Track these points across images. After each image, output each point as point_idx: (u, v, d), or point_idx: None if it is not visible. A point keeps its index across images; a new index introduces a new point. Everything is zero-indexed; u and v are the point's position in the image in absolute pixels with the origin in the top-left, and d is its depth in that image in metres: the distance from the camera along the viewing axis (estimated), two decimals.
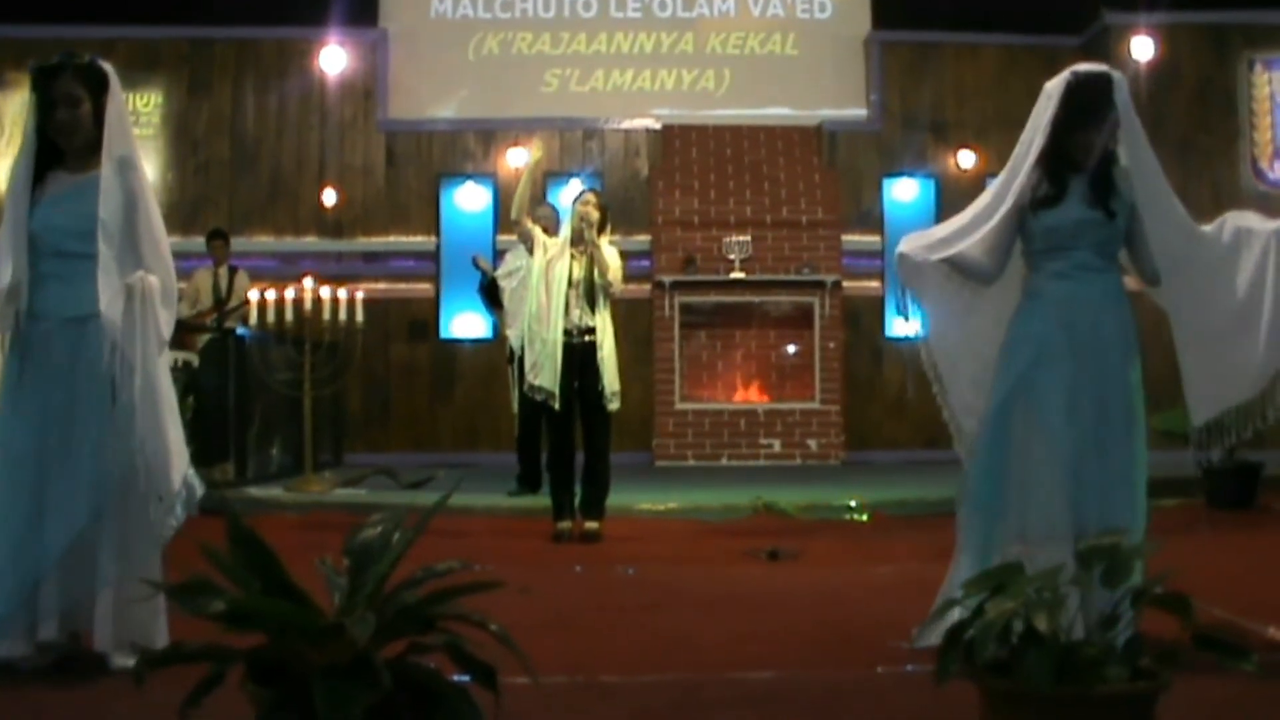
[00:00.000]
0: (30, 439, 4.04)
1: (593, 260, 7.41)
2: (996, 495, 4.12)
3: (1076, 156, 4.15)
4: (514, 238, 8.69)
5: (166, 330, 4.15)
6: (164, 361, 4.21)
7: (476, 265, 10.00)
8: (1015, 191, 4.15)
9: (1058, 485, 4.04)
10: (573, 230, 7.49)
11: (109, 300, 3.98)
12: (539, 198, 9.78)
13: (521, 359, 8.55)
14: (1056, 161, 4.15)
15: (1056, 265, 4.17)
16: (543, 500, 7.98)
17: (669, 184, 13.67)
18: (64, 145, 4.16)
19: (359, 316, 9.86)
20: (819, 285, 13.19)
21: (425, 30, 14.20)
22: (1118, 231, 4.16)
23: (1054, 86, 4.14)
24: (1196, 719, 3.30)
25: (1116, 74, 4.11)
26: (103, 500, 3.99)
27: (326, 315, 9.73)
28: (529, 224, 7.71)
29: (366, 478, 10.07)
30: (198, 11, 13.50)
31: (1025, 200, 4.16)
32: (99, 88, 4.14)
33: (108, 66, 4.20)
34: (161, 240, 4.22)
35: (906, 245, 4.39)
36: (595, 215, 7.48)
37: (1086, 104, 4.08)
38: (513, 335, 9.11)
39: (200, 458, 4.27)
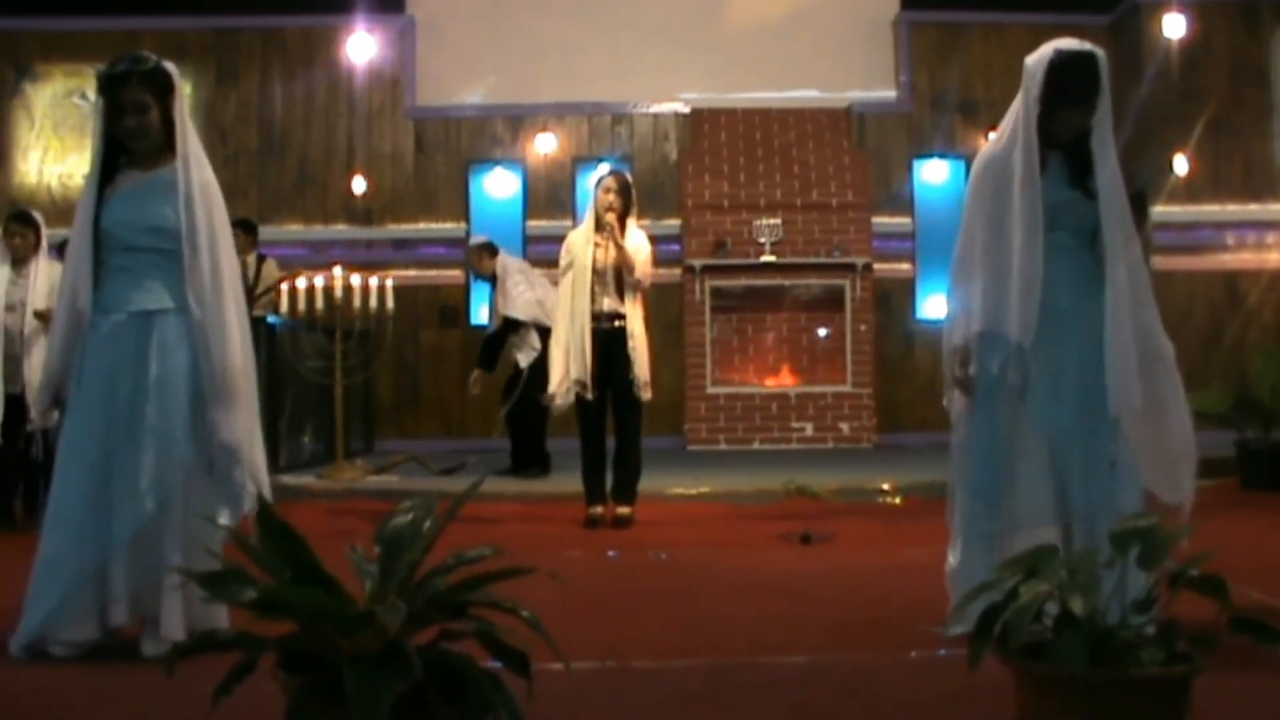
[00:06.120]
0: (97, 429, 4.13)
1: (619, 246, 7.31)
2: (992, 479, 4.10)
3: (1058, 134, 4.10)
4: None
5: (248, 342, 4.47)
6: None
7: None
8: (1036, 188, 4.06)
9: (1044, 471, 4.02)
10: (596, 219, 7.40)
11: (213, 330, 4.20)
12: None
13: (520, 377, 8.96)
14: (1038, 139, 4.09)
15: None
16: (575, 486, 8.00)
17: (698, 168, 13.63)
18: (133, 148, 4.28)
19: (389, 303, 9.90)
20: (850, 268, 13.14)
21: (453, 16, 14.16)
22: (1094, 211, 4.06)
23: (1036, 64, 4.07)
24: (1233, 702, 3.28)
25: (1100, 51, 4.06)
26: (168, 490, 4.06)
27: (357, 302, 9.76)
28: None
29: (397, 465, 10.11)
30: (223, 1, 13.53)
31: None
32: (165, 91, 4.26)
33: (171, 66, 4.30)
34: (227, 233, 4.37)
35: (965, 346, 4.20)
36: (619, 204, 7.35)
37: (1073, 82, 4.02)
38: (522, 359, 9.46)
39: None
